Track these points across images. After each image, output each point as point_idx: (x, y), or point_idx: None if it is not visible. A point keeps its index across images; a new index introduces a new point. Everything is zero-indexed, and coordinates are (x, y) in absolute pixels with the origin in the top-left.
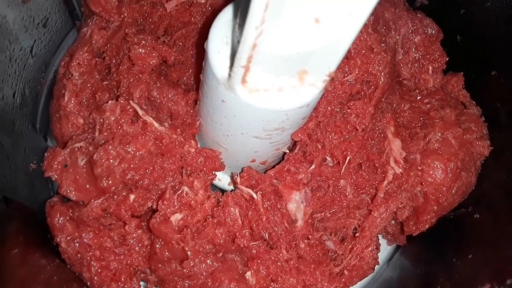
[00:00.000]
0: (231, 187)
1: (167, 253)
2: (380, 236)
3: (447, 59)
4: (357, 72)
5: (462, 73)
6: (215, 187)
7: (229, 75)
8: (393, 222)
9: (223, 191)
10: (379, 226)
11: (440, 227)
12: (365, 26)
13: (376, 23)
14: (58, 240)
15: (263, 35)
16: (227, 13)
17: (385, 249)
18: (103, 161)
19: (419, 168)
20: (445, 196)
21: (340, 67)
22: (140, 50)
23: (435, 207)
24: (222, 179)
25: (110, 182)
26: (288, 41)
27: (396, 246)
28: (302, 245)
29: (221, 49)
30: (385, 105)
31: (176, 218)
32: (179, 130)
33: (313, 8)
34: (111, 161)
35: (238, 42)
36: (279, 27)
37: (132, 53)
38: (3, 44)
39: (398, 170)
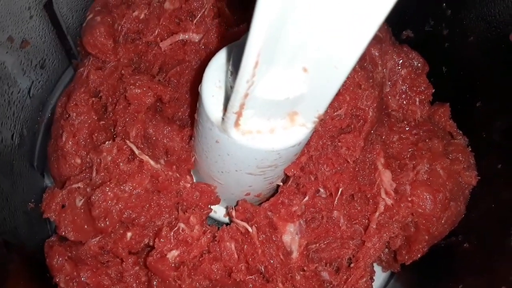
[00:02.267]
0: (227, 219)
1: None
2: (374, 263)
3: (433, 90)
4: (346, 107)
5: (448, 103)
6: (211, 219)
7: (223, 118)
8: (386, 250)
9: (218, 222)
10: (373, 256)
11: (433, 255)
12: None
13: (363, 60)
14: (57, 280)
15: (254, 85)
16: (220, 58)
17: (380, 276)
18: (100, 202)
19: (409, 199)
20: (435, 226)
21: (330, 103)
22: (136, 90)
23: (426, 237)
24: (218, 211)
25: (107, 222)
26: (278, 88)
27: (390, 273)
28: (298, 277)
29: (214, 93)
30: (374, 137)
31: (173, 255)
32: (174, 166)
33: (301, 60)
34: (108, 202)
35: (231, 87)
36: (269, 77)
37: (128, 93)
38: (1, 89)
39: (389, 201)
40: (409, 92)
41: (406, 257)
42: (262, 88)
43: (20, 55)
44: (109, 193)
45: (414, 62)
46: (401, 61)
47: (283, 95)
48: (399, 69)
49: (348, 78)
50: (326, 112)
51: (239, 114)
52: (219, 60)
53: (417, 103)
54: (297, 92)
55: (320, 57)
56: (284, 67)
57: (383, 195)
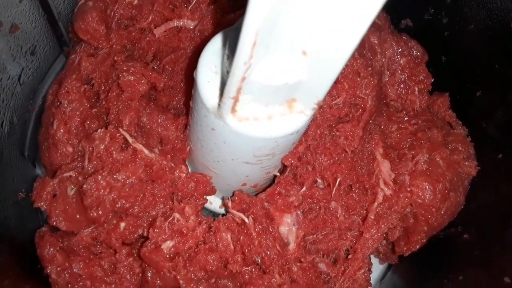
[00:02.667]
0: (222, 210)
1: (158, 282)
2: (372, 255)
3: (433, 80)
4: (344, 95)
5: (448, 93)
6: (206, 211)
7: (219, 104)
8: (384, 242)
9: (214, 213)
10: (371, 247)
11: (431, 246)
12: None
13: (362, 47)
14: (48, 271)
15: (251, 69)
16: (215, 43)
17: (377, 268)
18: (93, 191)
19: (408, 189)
20: (435, 217)
21: (328, 91)
22: (130, 77)
23: (425, 228)
24: (214, 202)
25: (100, 212)
26: (276, 72)
27: (388, 265)
28: (295, 269)
29: (210, 79)
30: (373, 127)
31: (167, 245)
32: (169, 155)
33: (301, 42)
34: (101, 191)
35: (228, 72)
36: (267, 60)
37: (121, 80)
38: None
39: (388, 192)
40: (408, 82)
41: (405, 249)
42: (260, 72)
43: (9, 40)
44: (101, 182)
45: (413, 51)
46: (400, 49)
47: (281, 80)
48: (398, 58)
49: (347, 65)
50: (325, 99)
51: (235, 99)
52: (215, 45)
53: (416, 92)
54: (296, 77)
55: (321, 38)
56: (283, 51)
57: (382, 186)
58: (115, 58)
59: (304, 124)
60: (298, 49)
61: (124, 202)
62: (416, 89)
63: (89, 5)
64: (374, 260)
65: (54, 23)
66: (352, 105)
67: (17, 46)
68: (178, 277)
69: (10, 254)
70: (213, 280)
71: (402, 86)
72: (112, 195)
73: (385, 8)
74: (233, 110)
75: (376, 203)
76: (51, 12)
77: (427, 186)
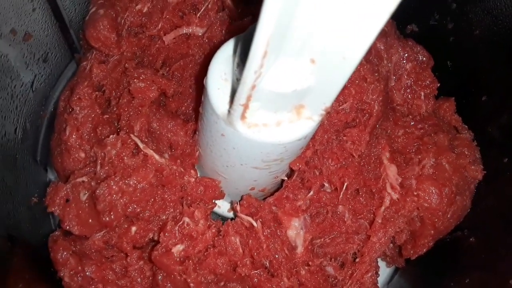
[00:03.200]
0: (231, 214)
1: (169, 285)
2: (379, 259)
3: (438, 84)
4: (351, 101)
5: (454, 98)
6: (215, 215)
7: (229, 111)
8: (391, 245)
9: (223, 217)
10: (378, 251)
11: (438, 250)
12: None
13: (368, 53)
14: (61, 274)
15: (261, 77)
16: (226, 50)
17: (384, 271)
18: (105, 196)
19: (415, 193)
20: (441, 220)
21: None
22: (140, 84)
23: (432, 231)
24: (222, 206)
25: (112, 216)
26: (285, 80)
27: (395, 268)
28: (303, 272)
29: (220, 86)
30: (379, 131)
31: (177, 249)
32: (179, 160)
33: (309, 51)
34: (113, 196)
35: (238, 80)
36: (277, 68)
37: (132, 87)
38: (4, 82)
39: (395, 196)
40: (414, 86)
41: (412, 252)
42: (269, 80)
43: (23, 48)
44: (114, 187)
45: (419, 56)
46: (406, 55)
47: (290, 87)
48: (404, 63)
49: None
50: (332, 105)
51: (245, 107)
52: (225, 53)
53: (422, 97)
54: (304, 84)
55: (329, 47)
56: (291, 58)
57: (389, 190)
58: (126, 65)
59: (312, 129)
60: (307, 57)
61: (135, 206)
62: (422, 94)
63: (100, 13)
64: (381, 264)
65: (66, 31)
66: (359, 110)
67: (30, 53)
68: (188, 280)
69: (24, 258)
70: (222, 283)
71: (408, 91)
72: (124, 199)
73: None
74: (243, 116)
75: (383, 207)
76: (63, 20)
77: (433, 190)
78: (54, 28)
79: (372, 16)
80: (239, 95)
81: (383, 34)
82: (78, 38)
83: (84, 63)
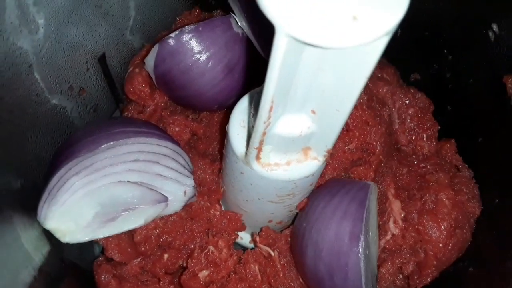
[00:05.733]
0: (252, 245)
1: None
2: None
3: (439, 127)
4: (356, 142)
5: (454, 139)
6: (238, 245)
7: (246, 153)
8: (400, 276)
9: (245, 248)
10: (387, 280)
11: (444, 281)
12: (360, 104)
13: (370, 101)
14: None
15: (270, 126)
16: (243, 102)
17: None
18: (142, 230)
19: (416, 227)
20: (442, 252)
21: (342, 138)
22: (176, 129)
23: (435, 262)
24: (244, 238)
25: (147, 247)
26: (291, 127)
27: None
28: None
29: (239, 131)
30: (385, 170)
31: (203, 274)
32: (206, 196)
33: (310, 104)
34: (149, 231)
35: (252, 127)
36: (284, 118)
37: (168, 132)
38: (62, 129)
39: (395, 231)
40: (416, 129)
41: (418, 282)
42: (278, 127)
43: (77, 101)
44: (150, 223)
45: (420, 102)
46: (408, 101)
47: (296, 133)
48: (406, 108)
49: (357, 116)
50: (334, 147)
51: (259, 150)
52: (243, 104)
53: (425, 138)
54: (308, 130)
55: (324, 102)
56: (296, 110)
57: (391, 224)
58: (163, 113)
59: (318, 168)
60: (308, 109)
61: (167, 237)
62: (424, 135)
63: (136, 71)
64: None
65: (113, 86)
66: (364, 150)
67: (83, 105)
68: None
69: (74, 279)
70: None
71: (411, 133)
72: (157, 231)
73: (397, 65)
74: (257, 157)
75: (384, 240)
76: (111, 77)
77: (433, 224)
78: (103, 84)
79: (353, 82)
80: (253, 140)
81: (385, 83)
82: (122, 91)
83: (126, 113)
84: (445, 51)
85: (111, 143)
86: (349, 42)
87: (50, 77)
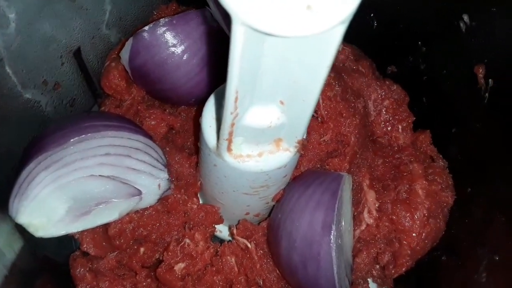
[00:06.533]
0: (230, 238)
1: None
2: (370, 280)
3: (414, 118)
4: (330, 133)
5: (429, 130)
6: (217, 239)
7: (217, 145)
8: (377, 266)
9: (223, 241)
10: (363, 270)
11: (420, 270)
12: (334, 95)
13: (344, 92)
14: None
15: (238, 116)
16: (215, 95)
17: None
18: (116, 224)
19: (391, 217)
20: (416, 241)
21: (316, 130)
22: (152, 122)
23: (409, 251)
24: (223, 231)
25: (122, 240)
26: (260, 118)
27: None
28: None
29: (211, 124)
30: (360, 161)
31: (179, 267)
32: (183, 190)
33: (278, 95)
34: (124, 225)
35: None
36: (253, 109)
37: (144, 125)
38: (37, 125)
39: (370, 221)
40: (392, 120)
41: (393, 271)
42: (248, 118)
43: (53, 96)
44: (124, 217)
45: (396, 94)
46: (383, 93)
47: (266, 124)
48: (382, 100)
49: (331, 107)
50: (306, 137)
51: (229, 141)
52: (213, 98)
53: (400, 130)
54: (278, 121)
55: (291, 93)
56: (265, 101)
57: (365, 214)
58: (139, 107)
59: (290, 159)
60: (277, 100)
61: (142, 230)
62: (400, 127)
63: (112, 65)
64: (373, 285)
65: (90, 80)
66: (339, 142)
67: (59, 100)
68: None
69: (50, 273)
70: None
71: (387, 124)
72: (132, 224)
73: (374, 57)
74: (228, 149)
75: (358, 230)
76: (87, 72)
77: (406, 214)
78: (79, 78)
79: (316, 72)
80: (222, 131)
81: (360, 74)
82: (100, 86)
83: (103, 107)
84: (419, 43)
85: (80, 137)
86: (303, 31)
87: (23, 71)
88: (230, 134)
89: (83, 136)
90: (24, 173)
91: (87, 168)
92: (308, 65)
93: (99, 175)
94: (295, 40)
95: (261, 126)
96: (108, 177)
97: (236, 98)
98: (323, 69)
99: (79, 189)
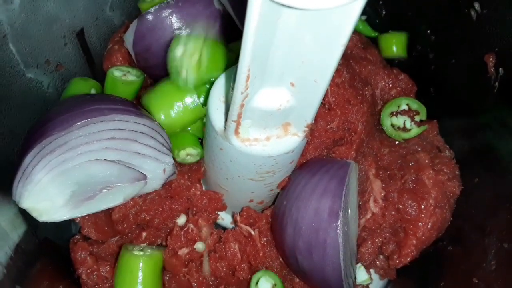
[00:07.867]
0: (233, 226)
1: (174, 285)
2: (372, 271)
3: None
4: (338, 120)
5: (436, 120)
6: (219, 227)
7: (225, 127)
8: (381, 257)
9: (225, 229)
10: (367, 260)
11: (424, 261)
12: (342, 83)
13: (352, 79)
14: (79, 272)
15: (248, 97)
16: (223, 78)
17: (377, 284)
18: (120, 208)
19: (397, 206)
20: (421, 231)
21: (323, 117)
22: None
23: (414, 241)
24: (225, 219)
25: (125, 225)
26: (270, 100)
27: (388, 281)
28: (297, 280)
29: (218, 107)
30: (367, 150)
31: (183, 252)
32: (186, 175)
33: (288, 76)
34: (127, 210)
35: (231, 100)
36: (262, 90)
37: None
38: (39, 106)
39: (375, 210)
40: None
41: (397, 262)
42: (256, 101)
43: (55, 76)
44: (129, 201)
45: (403, 83)
46: (390, 82)
47: (275, 106)
48: (389, 89)
49: (339, 95)
50: (314, 122)
51: (237, 123)
52: (222, 80)
53: None
54: (287, 104)
55: (303, 73)
56: (275, 83)
57: (371, 203)
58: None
59: (298, 144)
60: (287, 81)
61: (145, 215)
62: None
63: (115, 48)
64: (375, 276)
65: (91, 62)
66: (346, 129)
67: (61, 81)
68: (191, 280)
69: (50, 256)
70: (222, 286)
71: None
72: (135, 209)
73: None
74: (236, 132)
75: (364, 219)
76: (89, 53)
77: (412, 203)
78: (81, 60)
79: (330, 50)
80: (231, 112)
81: (368, 62)
82: (102, 68)
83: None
84: (428, 31)
85: (85, 120)
86: (324, 3)
87: (26, 49)
88: (239, 116)
89: (88, 119)
90: (28, 158)
91: (92, 153)
92: (323, 42)
93: (104, 160)
94: (311, 15)
95: (271, 109)
96: (113, 161)
97: (248, 77)
98: (338, 47)
99: (84, 173)
